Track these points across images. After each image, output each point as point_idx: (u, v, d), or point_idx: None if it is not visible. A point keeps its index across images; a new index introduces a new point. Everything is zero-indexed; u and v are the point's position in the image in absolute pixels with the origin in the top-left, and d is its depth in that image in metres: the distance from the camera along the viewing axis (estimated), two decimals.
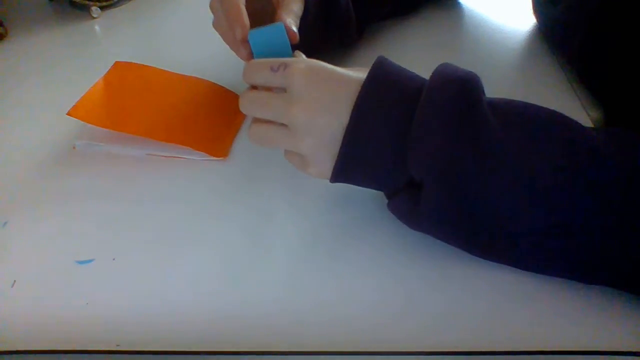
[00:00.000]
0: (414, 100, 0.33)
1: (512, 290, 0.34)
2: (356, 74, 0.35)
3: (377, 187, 0.37)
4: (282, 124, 0.36)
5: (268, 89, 0.37)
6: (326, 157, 0.35)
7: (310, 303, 0.35)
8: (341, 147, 0.34)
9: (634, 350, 0.31)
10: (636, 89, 0.43)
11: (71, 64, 0.61)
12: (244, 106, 0.37)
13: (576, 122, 0.33)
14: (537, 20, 0.60)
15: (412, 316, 0.33)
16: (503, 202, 0.32)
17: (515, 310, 0.33)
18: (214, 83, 0.53)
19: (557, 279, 0.34)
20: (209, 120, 0.49)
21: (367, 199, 0.41)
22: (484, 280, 0.35)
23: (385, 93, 0.33)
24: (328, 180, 0.37)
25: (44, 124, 0.51)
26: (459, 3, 0.66)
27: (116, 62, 0.53)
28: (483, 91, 0.33)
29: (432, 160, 0.32)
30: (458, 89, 0.32)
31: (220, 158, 0.46)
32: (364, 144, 0.33)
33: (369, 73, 0.34)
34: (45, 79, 0.59)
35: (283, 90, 0.35)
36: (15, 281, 0.37)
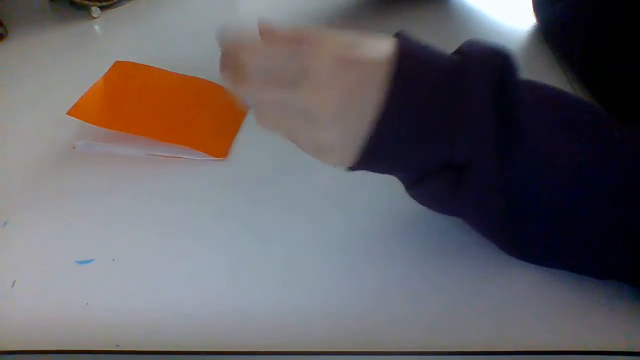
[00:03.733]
0: (449, 80, 0.30)
1: (512, 290, 0.34)
2: (383, 46, 0.30)
3: (404, 173, 0.34)
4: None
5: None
6: (350, 142, 0.31)
7: (311, 303, 0.35)
8: (373, 133, 0.30)
9: (634, 350, 0.31)
10: (637, 90, 0.43)
11: (71, 64, 0.61)
12: (250, 84, 0.31)
13: (605, 112, 0.32)
14: (537, 20, 0.60)
15: (412, 316, 0.33)
16: (539, 187, 0.31)
17: (516, 310, 0.33)
18: (214, 83, 0.53)
19: (557, 279, 0.34)
20: (209, 120, 0.49)
21: (368, 199, 0.41)
22: (484, 281, 0.35)
23: (417, 75, 0.30)
24: (343, 169, 0.33)
25: (44, 124, 0.51)
26: (459, 1, 0.66)
27: (116, 61, 0.53)
28: (519, 68, 0.31)
29: (477, 140, 0.30)
30: (496, 67, 0.30)
31: (220, 158, 0.46)
32: (398, 126, 0.30)
33: (395, 61, 0.30)
34: (45, 79, 0.59)
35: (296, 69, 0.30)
36: (15, 281, 0.37)
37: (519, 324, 0.33)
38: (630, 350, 0.31)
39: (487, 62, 0.30)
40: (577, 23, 0.49)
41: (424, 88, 0.30)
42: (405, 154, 0.32)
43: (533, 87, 0.32)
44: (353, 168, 0.33)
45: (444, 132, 0.30)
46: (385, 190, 0.41)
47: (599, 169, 0.30)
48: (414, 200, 0.35)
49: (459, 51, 0.32)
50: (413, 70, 0.30)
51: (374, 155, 0.32)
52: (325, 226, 0.40)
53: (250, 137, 0.49)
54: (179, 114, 0.49)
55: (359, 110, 0.30)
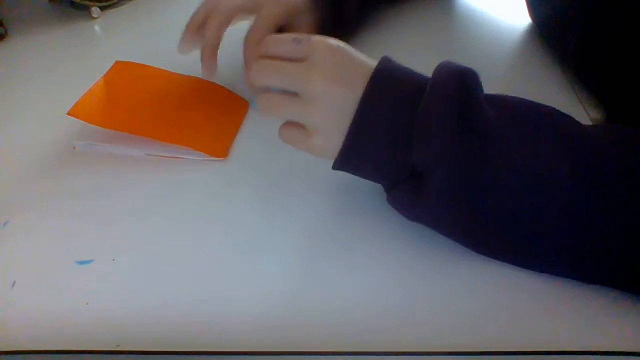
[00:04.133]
0: (419, 93, 0.34)
1: (511, 290, 0.34)
2: (369, 61, 0.36)
3: (380, 177, 0.37)
4: (292, 94, 0.36)
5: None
6: (334, 130, 0.35)
7: (311, 303, 0.35)
8: (349, 131, 0.35)
9: (634, 350, 0.31)
10: (635, 88, 0.43)
11: (71, 64, 0.61)
12: (257, 74, 0.37)
13: (568, 115, 0.33)
14: (531, 18, 0.60)
15: (412, 316, 0.33)
16: (502, 195, 0.32)
17: (516, 310, 0.33)
18: (213, 83, 0.53)
19: (557, 278, 0.34)
20: (209, 120, 0.49)
21: (368, 199, 0.41)
22: (483, 280, 0.35)
23: (393, 83, 0.34)
24: (327, 160, 0.37)
25: (44, 124, 0.51)
26: (455, 1, 0.66)
27: (116, 61, 0.53)
28: (481, 86, 0.34)
29: (435, 150, 0.32)
30: (459, 83, 0.33)
31: (220, 158, 0.46)
32: (373, 129, 0.34)
33: (377, 66, 0.35)
34: (45, 79, 0.59)
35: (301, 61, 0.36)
36: (15, 281, 0.37)
37: (519, 324, 0.33)
38: (630, 350, 0.31)
39: (448, 80, 0.33)
40: (572, 21, 0.49)
41: (392, 102, 0.34)
42: (376, 158, 0.35)
43: (493, 101, 0.34)
44: (337, 164, 0.37)
45: (406, 141, 0.34)
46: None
47: (570, 174, 0.31)
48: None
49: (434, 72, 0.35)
50: (386, 85, 0.34)
51: (352, 153, 0.35)
52: (325, 226, 0.40)
53: (250, 137, 0.49)
54: (179, 114, 0.49)
55: (345, 94, 0.35)
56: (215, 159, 0.46)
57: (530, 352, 0.31)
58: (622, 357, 0.30)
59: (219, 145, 0.47)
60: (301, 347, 0.32)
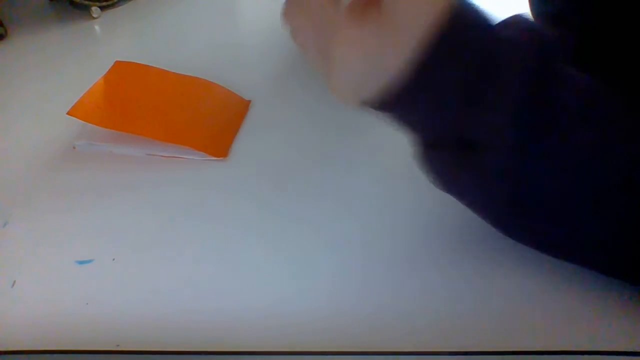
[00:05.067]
0: (490, 56, 0.31)
1: (512, 290, 0.34)
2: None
3: (426, 128, 0.33)
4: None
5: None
6: (370, 68, 0.30)
7: (311, 303, 0.35)
8: (406, 68, 0.29)
9: (634, 350, 0.31)
10: (636, 88, 0.43)
11: (71, 64, 0.61)
12: None
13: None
14: (533, 17, 0.60)
15: (412, 316, 0.33)
16: (557, 171, 0.31)
17: (516, 310, 0.33)
18: (214, 83, 0.53)
19: (556, 279, 0.34)
20: (209, 120, 0.49)
21: (370, 199, 0.41)
22: (484, 281, 0.35)
23: (465, 33, 0.31)
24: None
25: (44, 124, 0.51)
26: None
27: (116, 61, 0.53)
28: (559, 60, 0.32)
29: (494, 123, 0.30)
30: (542, 58, 0.31)
31: (220, 158, 0.46)
32: (440, 75, 0.30)
33: (451, 11, 0.30)
34: (45, 79, 0.59)
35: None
36: (15, 281, 0.37)
37: (519, 324, 0.33)
38: (631, 350, 0.31)
39: (529, 52, 0.31)
40: (571, 22, 0.49)
41: (461, 52, 0.30)
42: (430, 105, 0.31)
43: (573, 78, 0.33)
44: (377, 102, 0.31)
45: (468, 102, 0.30)
46: (388, 191, 0.41)
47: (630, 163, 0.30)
48: (415, 196, 0.35)
49: (506, 24, 0.32)
50: (462, 31, 0.31)
51: (410, 90, 0.30)
52: (325, 226, 0.40)
53: (251, 137, 0.49)
54: (179, 114, 0.49)
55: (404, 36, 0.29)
56: (215, 159, 0.46)
57: (531, 352, 0.31)
58: (622, 357, 0.30)
59: (219, 145, 0.47)
60: (301, 347, 0.32)
